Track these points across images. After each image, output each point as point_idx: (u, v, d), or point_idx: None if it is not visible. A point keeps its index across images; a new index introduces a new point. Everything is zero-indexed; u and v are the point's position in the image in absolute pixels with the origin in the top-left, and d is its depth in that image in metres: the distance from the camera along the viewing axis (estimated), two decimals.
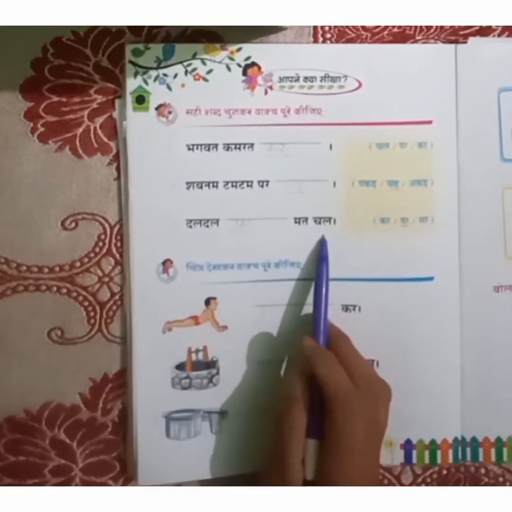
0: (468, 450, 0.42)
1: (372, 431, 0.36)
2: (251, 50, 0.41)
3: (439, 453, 0.42)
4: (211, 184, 0.41)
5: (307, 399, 0.36)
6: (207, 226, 0.41)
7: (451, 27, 0.42)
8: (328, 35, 0.42)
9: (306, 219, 0.41)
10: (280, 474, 0.35)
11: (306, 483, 0.35)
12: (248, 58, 0.41)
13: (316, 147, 0.41)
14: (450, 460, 0.42)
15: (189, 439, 0.40)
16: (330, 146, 0.41)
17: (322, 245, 0.41)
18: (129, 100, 0.40)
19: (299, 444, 0.35)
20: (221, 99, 0.41)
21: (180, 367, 0.40)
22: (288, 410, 0.36)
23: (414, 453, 0.41)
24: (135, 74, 0.40)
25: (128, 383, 0.41)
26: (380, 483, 0.42)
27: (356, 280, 0.41)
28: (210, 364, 0.41)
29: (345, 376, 0.36)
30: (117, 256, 0.41)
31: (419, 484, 0.42)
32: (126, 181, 0.40)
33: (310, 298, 0.41)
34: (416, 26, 0.42)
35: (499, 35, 0.43)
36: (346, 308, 0.41)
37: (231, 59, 0.41)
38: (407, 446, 0.41)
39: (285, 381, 0.38)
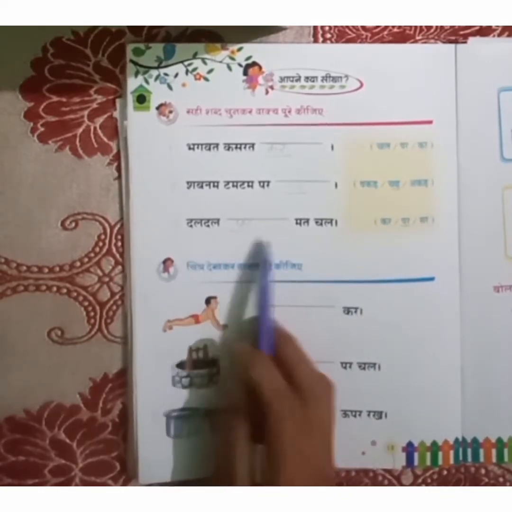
0: (469, 450, 0.42)
1: (307, 431, 0.35)
2: (252, 50, 0.41)
3: (440, 454, 0.41)
4: (211, 184, 0.41)
5: (248, 407, 0.36)
6: (208, 225, 0.41)
7: (451, 27, 0.42)
8: (328, 35, 0.42)
9: (307, 220, 0.41)
10: (228, 482, 0.35)
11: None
12: (249, 57, 0.41)
13: (317, 148, 0.41)
14: (451, 461, 0.41)
15: (190, 438, 0.40)
16: (332, 147, 0.41)
17: (264, 249, 0.40)
18: (130, 99, 0.40)
19: (244, 452, 0.35)
20: (222, 98, 0.41)
21: (180, 365, 0.40)
22: (231, 419, 0.36)
23: (416, 455, 0.41)
24: (136, 74, 0.40)
25: (129, 381, 0.40)
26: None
27: (358, 282, 0.41)
28: (211, 363, 0.41)
29: (280, 378, 0.36)
30: (117, 256, 0.41)
31: (419, 485, 0.42)
32: (127, 180, 0.40)
33: (310, 300, 0.41)
34: (416, 26, 0.42)
35: (499, 35, 0.43)
36: (347, 310, 0.41)
37: (232, 58, 0.41)
38: (409, 448, 0.41)
39: (226, 390, 0.39)
